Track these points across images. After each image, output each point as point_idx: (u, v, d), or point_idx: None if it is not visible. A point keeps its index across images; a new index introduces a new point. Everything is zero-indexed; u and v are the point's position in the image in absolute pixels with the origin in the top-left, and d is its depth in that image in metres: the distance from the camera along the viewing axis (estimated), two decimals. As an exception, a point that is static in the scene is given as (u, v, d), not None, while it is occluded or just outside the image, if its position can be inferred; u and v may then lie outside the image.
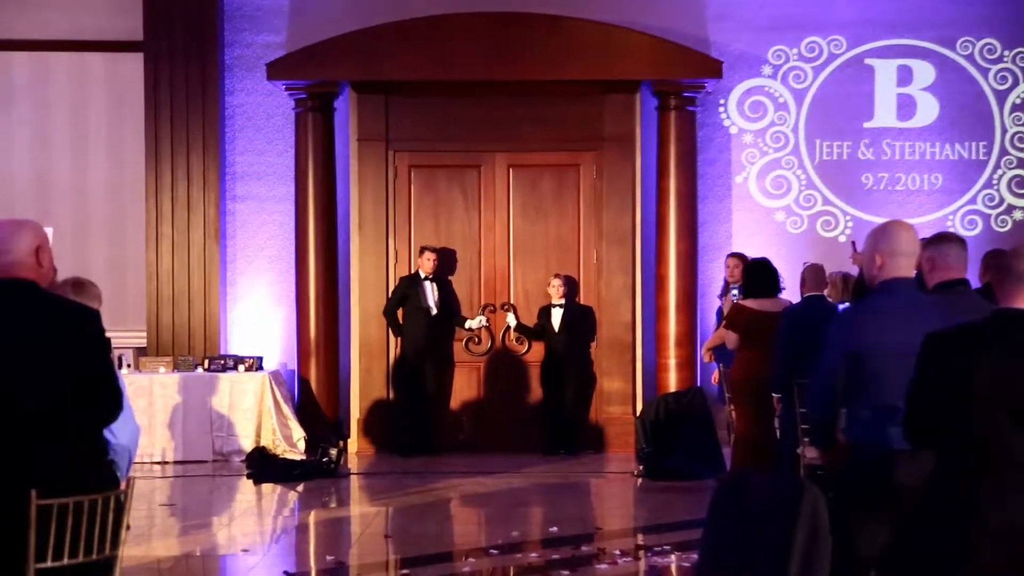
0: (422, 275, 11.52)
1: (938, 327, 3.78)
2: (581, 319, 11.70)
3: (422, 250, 11.58)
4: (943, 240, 5.22)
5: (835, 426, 4.64)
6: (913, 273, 4.76)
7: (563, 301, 11.59)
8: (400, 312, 11.59)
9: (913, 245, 4.73)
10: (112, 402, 4.30)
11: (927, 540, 3.58)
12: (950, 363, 3.55)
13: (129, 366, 11.42)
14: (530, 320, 11.81)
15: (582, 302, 11.85)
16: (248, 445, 11.11)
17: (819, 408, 4.72)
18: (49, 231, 4.45)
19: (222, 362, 11.40)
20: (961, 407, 3.51)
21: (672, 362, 11.55)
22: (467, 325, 11.72)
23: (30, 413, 4.12)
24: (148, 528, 8.43)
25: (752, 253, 10.59)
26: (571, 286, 11.75)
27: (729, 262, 10.85)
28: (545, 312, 11.66)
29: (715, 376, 10.86)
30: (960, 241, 5.23)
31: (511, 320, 11.83)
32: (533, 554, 7.56)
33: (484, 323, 11.82)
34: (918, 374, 3.67)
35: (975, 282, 5.70)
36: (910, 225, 4.85)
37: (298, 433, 11.23)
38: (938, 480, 3.61)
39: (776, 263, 9.06)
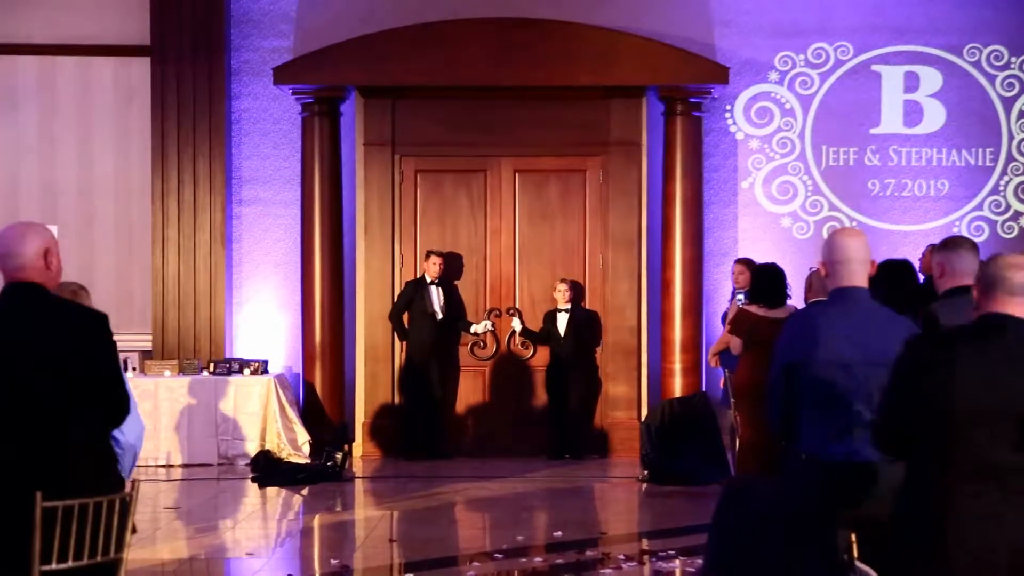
0: (428, 279, 11.52)
1: (882, 337, 3.73)
2: (587, 324, 11.70)
3: (428, 254, 11.58)
4: (954, 246, 5.15)
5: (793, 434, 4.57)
6: (866, 281, 4.63)
7: (569, 306, 11.60)
8: (406, 316, 11.59)
9: (859, 252, 4.57)
10: (119, 405, 4.31)
11: (902, 552, 3.52)
12: (929, 370, 3.49)
13: (135, 369, 11.43)
14: (536, 325, 11.81)
15: (588, 307, 11.85)
16: (253, 449, 11.12)
17: (771, 417, 4.65)
18: (53, 229, 4.45)
19: (227, 365, 11.40)
20: (939, 415, 3.44)
21: (677, 367, 11.55)
22: (473, 330, 11.73)
23: (38, 416, 4.12)
24: (153, 531, 8.44)
25: (758, 259, 10.56)
26: (577, 291, 11.75)
27: (735, 268, 10.84)
28: (551, 317, 11.66)
29: (723, 381, 10.85)
30: (972, 246, 5.17)
31: (516, 325, 11.83)
32: (538, 559, 7.56)
33: (490, 327, 11.82)
34: (894, 382, 3.58)
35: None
36: (857, 232, 4.73)
37: (303, 437, 11.23)
38: (912, 490, 3.53)
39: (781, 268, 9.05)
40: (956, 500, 3.41)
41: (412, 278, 11.72)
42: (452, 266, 11.80)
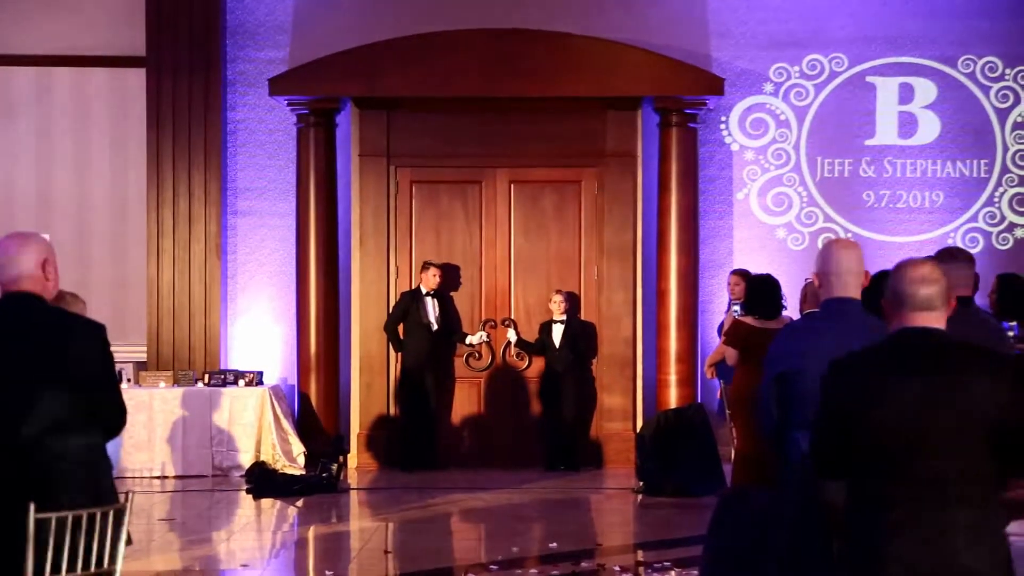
0: (423, 290, 11.52)
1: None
2: (582, 335, 11.70)
3: (427, 266, 11.56)
4: (949, 257, 5.13)
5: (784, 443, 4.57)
6: (858, 293, 4.63)
7: (564, 317, 11.59)
8: (400, 328, 11.58)
9: (852, 264, 4.58)
10: (117, 415, 4.31)
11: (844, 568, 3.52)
12: (852, 390, 3.47)
13: (129, 380, 11.41)
14: (531, 335, 11.80)
15: (583, 318, 11.85)
16: (248, 460, 11.10)
17: (762, 427, 4.66)
18: (50, 240, 4.46)
19: (222, 377, 11.39)
20: (865, 433, 3.43)
21: (673, 378, 11.55)
22: (468, 341, 11.72)
23: (35, 427, 4.12)
24: (147, 543, 8.42)
25: (753, 270, 10.57)
26: (572, 302, 11.75)
27: (731, 279, 10.85)
28: (546, 328, 11.66)
29: (719, 392, 10.85)
30: (968, 258, 5.16)
31: (511, 336, 11.82)
32: (533, 570, 7.55)
33: (485, 339, 11.81)
34: (822, 405, 3.57)
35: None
36: (852, 243, 4.74)
37: (298, 448, 11.21)
38: (848, 509, 3.52)
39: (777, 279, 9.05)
40: (889, 516, 3.40)
41: (407, 289, 11.72)
42: (448, 277, 11.79)
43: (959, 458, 3.40)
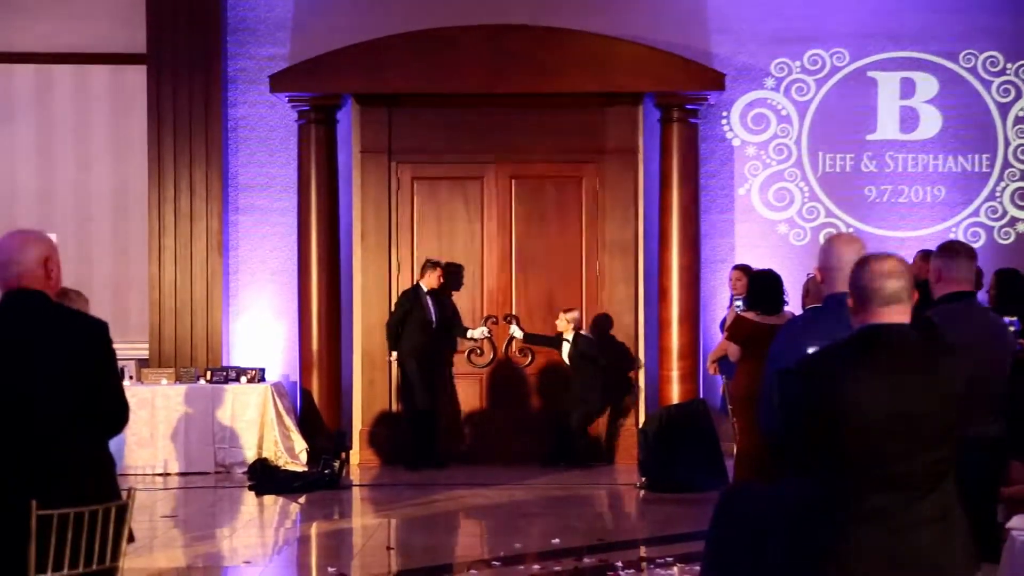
0: (424, 288, 11.50)
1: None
2: (587, 353, 11.48)
3: (434, 266, 11.50)
4: (952, 251, 5.12)
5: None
6: None
7: (572, 336, 11.51)
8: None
9: (855, 259, 4.61)
10: (120, 413, 4.31)
11: (804, 565, 3.52)
12: (824, 386, 3.46)
13: (131, 378, 11.41)
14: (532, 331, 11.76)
15: (584, 313, 11.79)
16: (250, 457, 11.10)
17: (762, 422, 4.65)
18: (53, 238, 4.46)
19: (224, 374, 11.39)
20: (837, 429, 3.43)
21: (675, 374, 11.54)
22: (469, 335, 11.71)
23: (38, 424, 4.12)
24: (150, 540, 8.42)
25: (755, 265, 10.56)
26: (580, 320, 11.60)
27: (733, 274, 10.83)
28: (556, 342, 11.59)
29: (722, 388, 10.84)
30: (970, 252, 5.15)
31: (516, 332, 11.79)
32: (536, 566, 7.55)
33: (487, 334, 11.80)
34: (794, 398, 3.57)
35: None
36: (854, 238, 4.72)
37: (300, 445, 11.22)
38: (814, 500, 3.53)
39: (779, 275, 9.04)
40: (860, 512, 3.42)
41: (408, 286, 11.69)
42: (451, 275, 11.78)
43: (929, 451, 3.42)
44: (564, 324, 11.54)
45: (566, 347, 11.54)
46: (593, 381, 11.49)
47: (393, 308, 11.64)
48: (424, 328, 11.44)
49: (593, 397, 11.53)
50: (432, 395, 11.52)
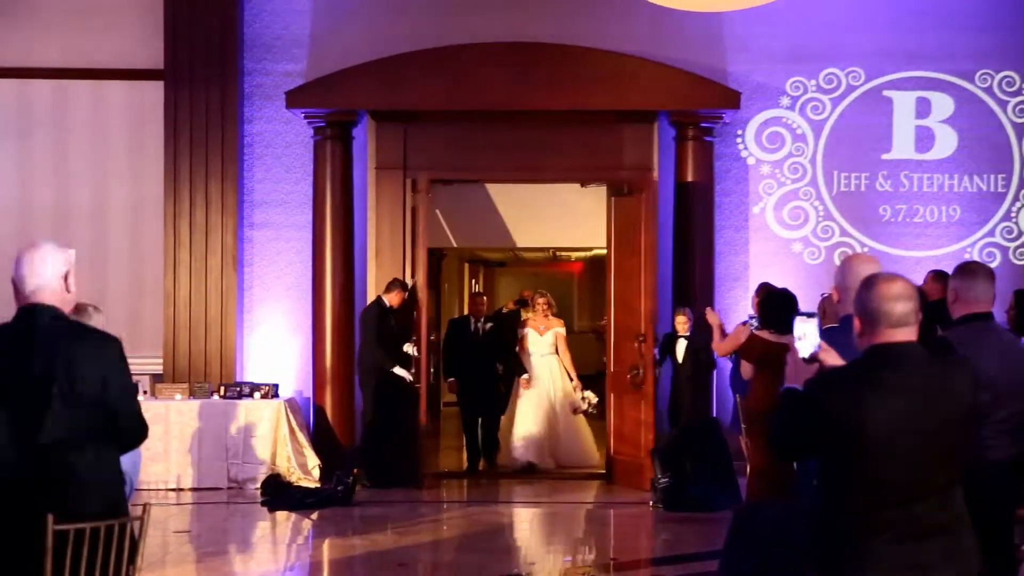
0: (386, 303, 11.34)
1: None
2: (704, 349, 11.32)
3: (402, 286, 11.40)
4: (970, 272, 5.08)
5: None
6: None
7: (688, 333, 11.27)
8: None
9: None
10: (137, 430, 4.31)
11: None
12: (841, 405, 3.46)
13: (145, 392, 11.43)
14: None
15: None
16: (263, 472, 11.09)
17: (772, 438, 4.65)
18: (71, 253, 4.46)
19: (238, 389, 11.40)
20: (851, 449, 3.44)
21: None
22: (405, 348, 11.43)
23: (53, 439, 4.12)
24: (163, 555, 8.42)
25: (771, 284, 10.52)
26: (694, 317, 11.41)
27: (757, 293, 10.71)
28: (670, 341, 11.31)
29: (735, 406, 10.78)
30: (988, 273, 5.12)
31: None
32: (548, 584, 7.53)
33: (415, 352, 11.45)
34: (801, 409, 3.57)
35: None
36: (871, 258, 4.71)
37: (313, 461, 11.21)
38: (824, 523, 3.53)
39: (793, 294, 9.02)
40: (870, 526, 3.43)
41: (372, 305, 11.48)
42: (410, 295, 11.55)
43: (939, 465, 3.45)
44: (681, 324, 11.24)
45: (682, 344, 11.26)
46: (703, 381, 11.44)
47: (375, 324, 11.34)
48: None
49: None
50: (392, 411, 11.28)
